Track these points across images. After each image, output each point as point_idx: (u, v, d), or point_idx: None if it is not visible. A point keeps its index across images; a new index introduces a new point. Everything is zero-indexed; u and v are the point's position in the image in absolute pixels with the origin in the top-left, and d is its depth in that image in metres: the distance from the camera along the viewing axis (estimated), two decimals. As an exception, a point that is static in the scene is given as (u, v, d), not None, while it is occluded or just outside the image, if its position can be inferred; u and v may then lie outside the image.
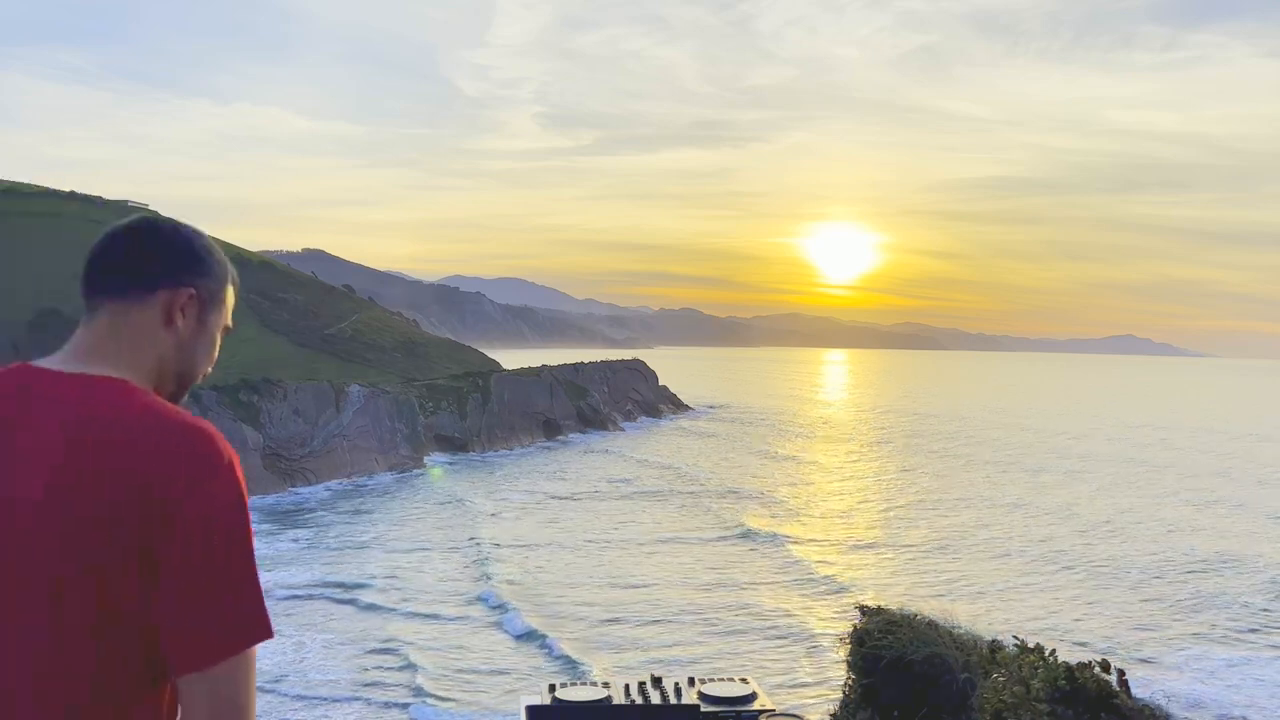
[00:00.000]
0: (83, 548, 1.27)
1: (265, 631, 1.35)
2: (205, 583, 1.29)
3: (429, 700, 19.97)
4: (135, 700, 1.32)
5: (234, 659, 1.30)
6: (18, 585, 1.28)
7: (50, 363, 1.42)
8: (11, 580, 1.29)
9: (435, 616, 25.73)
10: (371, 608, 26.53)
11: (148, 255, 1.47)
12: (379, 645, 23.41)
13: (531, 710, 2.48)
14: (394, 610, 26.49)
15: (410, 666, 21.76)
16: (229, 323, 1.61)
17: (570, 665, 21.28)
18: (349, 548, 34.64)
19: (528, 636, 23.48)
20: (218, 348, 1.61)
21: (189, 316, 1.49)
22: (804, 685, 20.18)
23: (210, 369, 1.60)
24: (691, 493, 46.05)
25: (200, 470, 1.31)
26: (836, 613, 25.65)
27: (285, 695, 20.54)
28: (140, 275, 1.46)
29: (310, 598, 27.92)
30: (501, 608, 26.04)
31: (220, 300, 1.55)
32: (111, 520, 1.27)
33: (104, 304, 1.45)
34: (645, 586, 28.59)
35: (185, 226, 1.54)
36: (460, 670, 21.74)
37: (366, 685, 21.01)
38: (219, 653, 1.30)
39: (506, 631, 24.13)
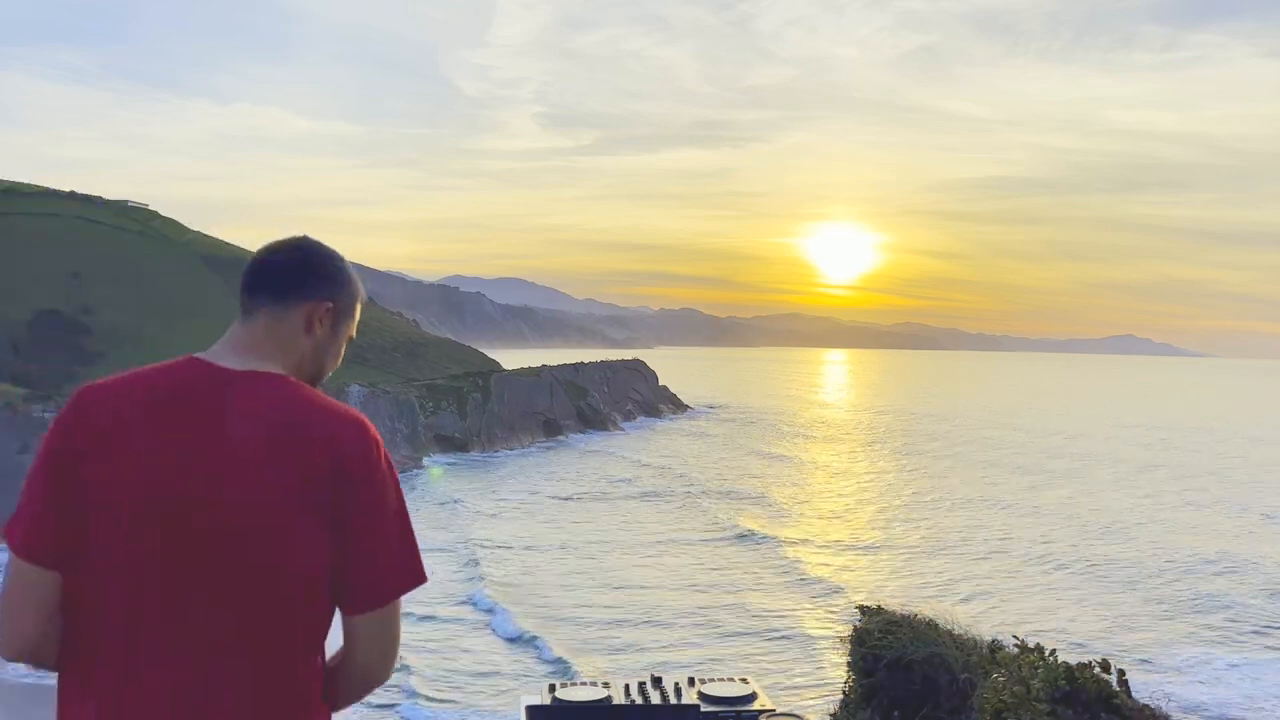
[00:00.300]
0: (284, 522, 1.57)
1: (422, 578, 1.70)
2: (384, 542, 1.63)
3: (420, 701, 20.07)
4: (319, 645, 1.66)
5: (397, 600, 1.67)
6: (232, 557, 1.56)
7: (214, 356, 1.70)
8: (225, 552, 1.56)
9: (430, 618, 25.79)
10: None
11: (299, 271, 1.76)
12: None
13: (531, 710, 2.48)
14: None
15: (404, 668, 21.83)
16: (353, 333, 1.88)
17: (562, 668, 21.19)
18: None
19: (520, 639, 23.34)
20: (343, 353, 1.89)
21: (325, 325, 1.77)
22: (798, 687, 20.20)
23: (335, 368, 1.88)
24: (689, 493, 46.02)
25: (371, 453, 1.64)
26: (830, 614, 25.65)
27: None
28: (291, 287, 1.74)
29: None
30: (493, 610, 26.03)
31: (351, 314, 1.84)
32: (305, 499, 1.57)
33: (261, 308, 1.73)
34: (641, 588, 28.58)
35: (328, 248, 1.82)
36: (453, 671, 21.76)
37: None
38: (391, 596, 1.65)
39: (499, 634, 24.03)
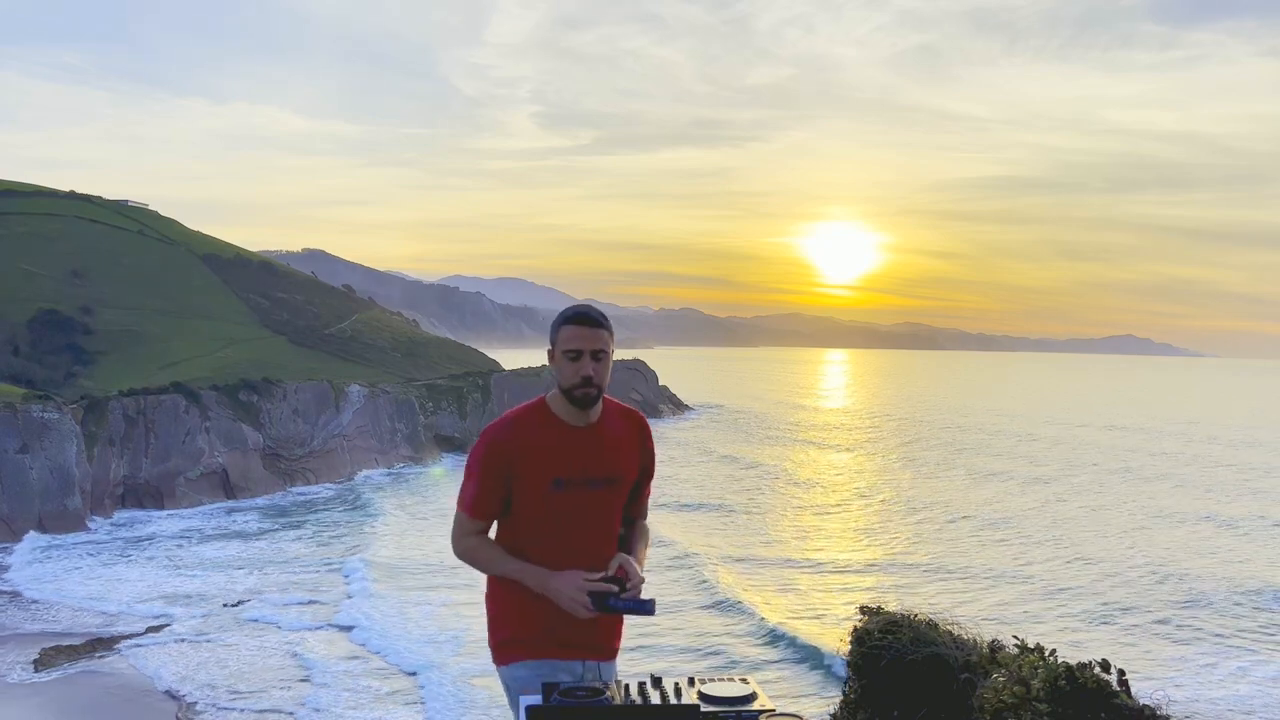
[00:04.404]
0: None
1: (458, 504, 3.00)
2: None
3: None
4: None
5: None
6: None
7: None
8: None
9: (273, 624, 26.07)
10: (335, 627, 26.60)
11: None
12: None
13: (531, 710, 2.48)
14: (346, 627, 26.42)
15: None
16: (568, 347, 3.01)
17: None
18: (299, 567, 33.84)
19: (423, 667, 22.53)
20: (566, 369, 3.02)
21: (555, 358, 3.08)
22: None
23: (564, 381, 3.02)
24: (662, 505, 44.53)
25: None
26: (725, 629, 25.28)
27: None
28: None
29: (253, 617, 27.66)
30: (354, 626, 25.88)
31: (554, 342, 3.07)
32: None
33: None
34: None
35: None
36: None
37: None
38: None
39: (406, 671, 23.19)
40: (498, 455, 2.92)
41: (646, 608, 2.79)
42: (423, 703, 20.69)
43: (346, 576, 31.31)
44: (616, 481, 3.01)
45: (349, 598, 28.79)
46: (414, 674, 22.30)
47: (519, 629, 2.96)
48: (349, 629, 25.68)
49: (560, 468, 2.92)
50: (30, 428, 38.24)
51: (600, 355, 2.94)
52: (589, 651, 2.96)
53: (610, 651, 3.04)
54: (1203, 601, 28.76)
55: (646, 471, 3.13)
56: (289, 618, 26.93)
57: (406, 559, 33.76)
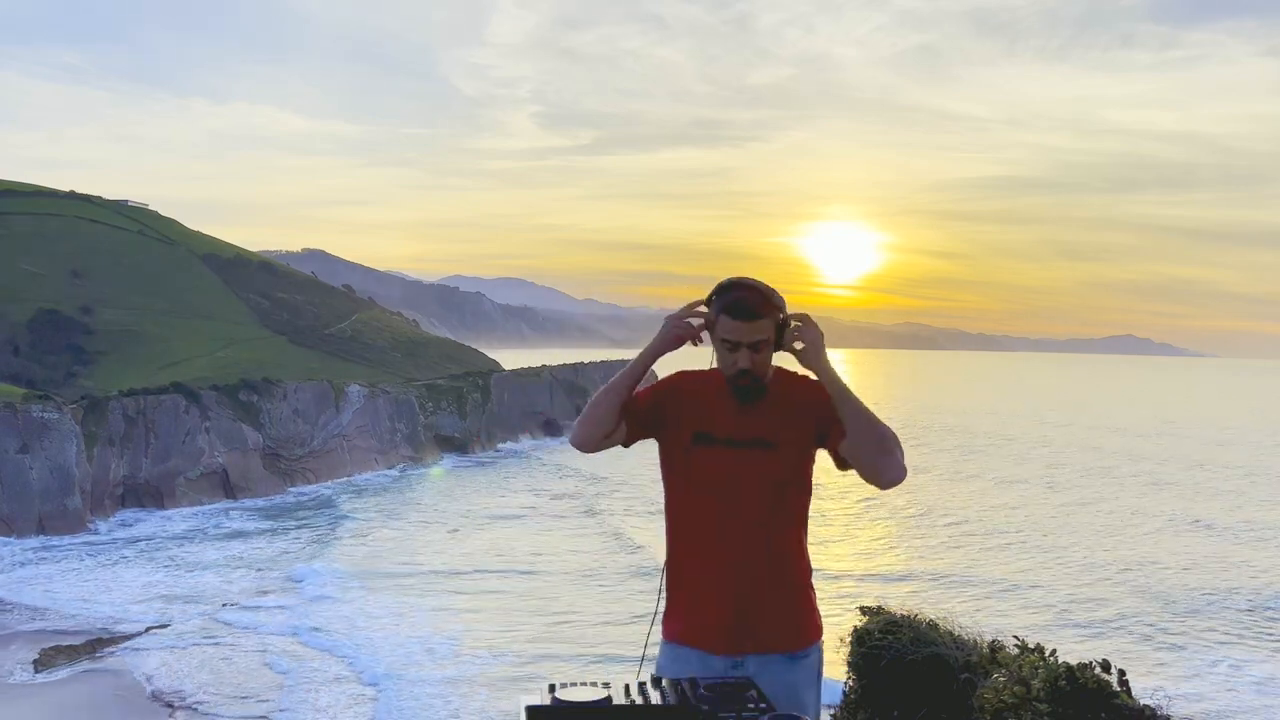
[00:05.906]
0: None
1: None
2: None
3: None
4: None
5: None
6: None
7: None
8: None
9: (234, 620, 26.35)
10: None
11: None
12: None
13: (531, 710, 2.47)
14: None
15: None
16: (725, 336, 2.71)
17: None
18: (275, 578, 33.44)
19: (402, 673, 22.25)
20: (724, 358, 2.75)
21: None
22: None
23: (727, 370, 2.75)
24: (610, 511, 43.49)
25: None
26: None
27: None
28: None
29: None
30: (302, 631, 25.94)
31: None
32: None
33: None
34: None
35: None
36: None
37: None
38: None
39: (364, 681, 22.81)
40: (668, 383, 2.89)
41: None
42: (374, 707, 20.71)
43: (325, 580, 31.16)
44: (771, 445, 2.74)
45: (338, 600, 28.73)
46: (374, 684, 22.13)
47: (677, 606, 2.83)
48: (344, 632, 25.68)
49: (704, 422, 2.80)
50: (30, 428, 38.25)
51: (760, 346, 2.69)
52: (734, 637, 2.76)
53: (767, 641, 2.76)
54: (1203, 604, 28.76)
55: (826, 422, 2.73)
56: (284, 620, 26.91)
57: (401, 563, 33.77)
